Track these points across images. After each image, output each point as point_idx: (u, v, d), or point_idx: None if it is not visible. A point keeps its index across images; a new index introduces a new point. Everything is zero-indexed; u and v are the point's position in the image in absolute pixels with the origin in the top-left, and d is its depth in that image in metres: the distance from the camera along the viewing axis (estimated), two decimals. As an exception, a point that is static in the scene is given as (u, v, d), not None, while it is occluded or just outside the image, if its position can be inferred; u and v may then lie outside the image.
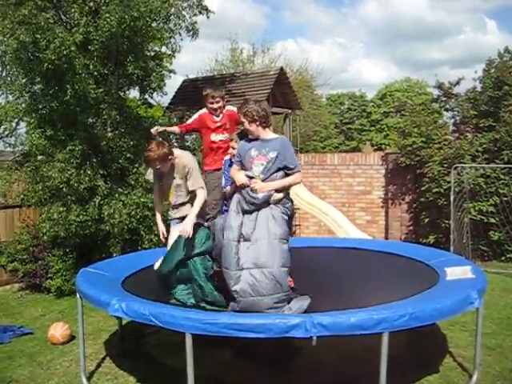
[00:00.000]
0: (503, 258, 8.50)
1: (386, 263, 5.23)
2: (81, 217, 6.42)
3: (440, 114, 10.19)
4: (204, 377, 3.65)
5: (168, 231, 4.53)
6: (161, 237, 4.55)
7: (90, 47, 6.43)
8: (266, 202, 3.86)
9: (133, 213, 6.60)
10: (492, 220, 8.42)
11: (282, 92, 10.68)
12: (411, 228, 9.80)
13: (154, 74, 7.57)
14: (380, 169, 10.18)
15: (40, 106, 6.81)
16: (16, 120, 7.34)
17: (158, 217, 4.60)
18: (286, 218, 3.95)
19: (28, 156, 7.12)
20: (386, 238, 9.96)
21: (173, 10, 7.04)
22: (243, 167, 4.02)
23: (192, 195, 4.32)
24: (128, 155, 6.93)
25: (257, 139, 3.98)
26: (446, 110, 10.13)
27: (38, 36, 5.93)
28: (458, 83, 9.82)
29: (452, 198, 8.12)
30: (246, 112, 3.94)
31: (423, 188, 9.09)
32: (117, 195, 6.69)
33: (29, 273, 6.98)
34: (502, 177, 8.47)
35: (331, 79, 39.88)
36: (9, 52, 6.35)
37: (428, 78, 36.69)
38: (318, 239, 7.15)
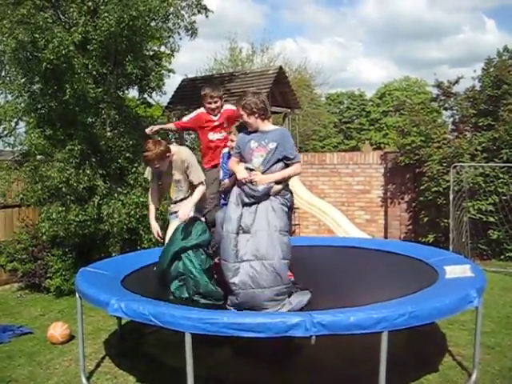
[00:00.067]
0: (502, 257, 8.51)
1: (385, 262, 5.23)
2: (80, 216, 6.42)
3: (439, 113, 10.19)
4: (204, 376, 3.65)
5: (162, 228, 4.55)
6: (155, 235, 4.54)
7: (88, 47, 6.42)
8: (266, 195, 3.86)
9: (132, 212, 6.60)
10: (491, 219, 8.43)
11: (281, 91, 10.66)
12: (410, 227, 9.81)
13: (152, 73, 7.58)
14: (379, 168, 10.18)
15: (39, 106, 6.81)
16: (15, 120, 7.33)
17: (152, 216, 4.58)
18: (286, 209, 3.95)
19: (27, 156, 7.12)
20: (386, 237, 9.97)
21: (172, 9, 7.04)
22: (242, 159, 4.01)
23: (192, 191, 4.34)
24: (127, 155, 6.93)
25: (256, 131, 3.98)
26: (445, 109, 10.14)
27: (37, 35, 5.93)
28: (457, 82, 9.82)
29: (451, 196, 8.12)
30: (245, 104, 3.94)
31: (422, 187, 9.09)
32: (116, 195, 6.69)
33: (28, 272, 6.98)
34: (501, 176, 8.47)
35: (330, 78, 39.85)
36: (7, 52, 6.35)
37: (427, 77, 36.74)
38: (318, 238, 7.16)
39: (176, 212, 4.36)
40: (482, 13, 63.72)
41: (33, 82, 6.69)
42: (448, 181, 8.37)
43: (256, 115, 3.93)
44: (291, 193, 4.07)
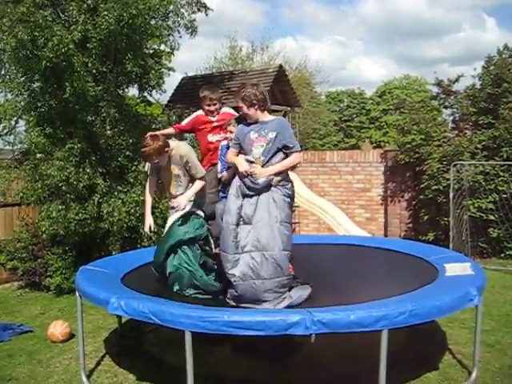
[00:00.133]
0: (502, 255, 8.51)
1: (385, 260, 5.24)
2: (80, 215, 6.42)
3: (439, 112, 10.18)
4: (204, 374, 3.65)
5: (162, 226, 4.57)
6: (146, 229, 4.51)
7: (88, 45, 6.42)
8: (267, 186, 3.86)
9: (132, 211, 6.59)
10: (491, 217, 8.43)
11: (281, 89, 10.67)
12: (410, 225, 9.80)
13: (152, 71, 7.56)
14: (379, 166, 10.17)
15: (39, 104, 6.80)
16: (15, 118, 7.33)
17: (148, 209, 4.56)
18: (288, 199, 3.94)
19: (27, 154, 7.12)
20: (386, 235, 9.96)
21: (171, 7, 7.03)
22: (241, 151, 4.00)
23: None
24: (127, 153, 6.92)
25: (255, 122, 3.97)
26: (445, 107, 10.13)
27: (36, 34, 5.92)
28: (457, 80, 9.81)
29: (451, 195, 8.12)
30: (245, 96, 3.92)
31: (422, 185, 9.09)
32: (116, 193, 6.69)
33: (28, 271, 6.99)
34: (502, 174, 8.47)
35: (330, 77, 39.94)
36: (7, 50, 6.34)
37: (427, 76, 36.81)
38: (318, 237, 7.16)
39: (174, 207, 4.39)
40: (482, 11, 63.96)
41: (33, 80, 6.68)
42: (448, 179, 8.36)
43: (256, 107, 3.92)
44: (292, 183, 4.06)
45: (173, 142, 4.36)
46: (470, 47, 56.45)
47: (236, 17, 47.84)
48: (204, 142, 4.98)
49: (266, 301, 3.79)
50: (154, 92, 7.97)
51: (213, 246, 4.40)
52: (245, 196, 3.87)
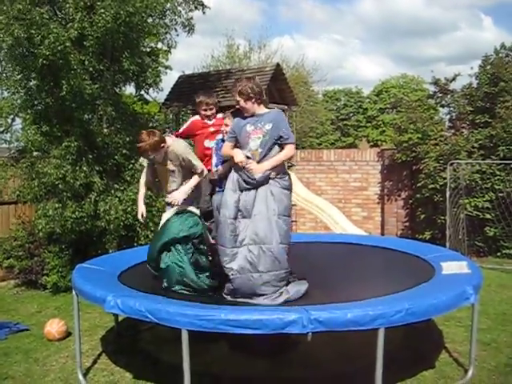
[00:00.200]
0: (499, 254, 8.54)
1: (381, 258, 5.25)
2: (76, 213, 6.41)
3: (436, 110, 10.21)
4: (200, 372, 3.65)
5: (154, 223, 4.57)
6: (138, 216, 4.52)
7: (85, 43, 6.39)
8: (265, 180, 3.86)
9: (129, 209, 6.58)
10: (488, 216, 8.46)
11: (278, 88, 10.64)
12: (407, 224, 9.83)
13: (149, 69, 7.53)
14: (376, 165, 10.19)
15: (35, 102, 6.78)
16: (11, 116, 7.32)
17: (141, 196, 4.57)
18: (286, 191, 3.94)
19: (23, 152, 7.09)
20: (382, 234, 9.98)
21: (168, 5, 7.02)
22: (237, 144, 4.00)
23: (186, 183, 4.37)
24: (124, 151, 6.91)
25: (252, 116, 3.97)
26: (442, 106, 10.16)
27: (33, 31, 5.89)
28: (454, 79, 9.85)
29: (448, 194, 8.14)
30: (242, 90, 3.92)
31: (419, 184, 9.11)
32: (113, 191, 6.68)
33: (25, 269, 6.97)
34: (498, 173, 8.50)
35: (327, 75, 39.66)
36: (4, 48, 6.31)
37: (424, 75, 36.90)
38: (315, 235, 7.16)
39: (170, 204, 4.40)
40: (479, 10, 63.96)
41: (29, 78, 6.65)
42: (445, 178, 8.38)
43: (253, 100, 3.93)
44: (288, 175, 4.07)
45: (169, 139, 4.35)
46: (466, 46, 56.56)
47: (233, 15, 47.74)
48: (201, 147, 4.97)
49: (263, 294, 3.79)
50: (150, 90, 7.95)
51: (209, 237, 4.42)
52: (242, 189, 3.87)
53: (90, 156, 6.62)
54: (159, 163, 4.36)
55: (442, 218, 8.45)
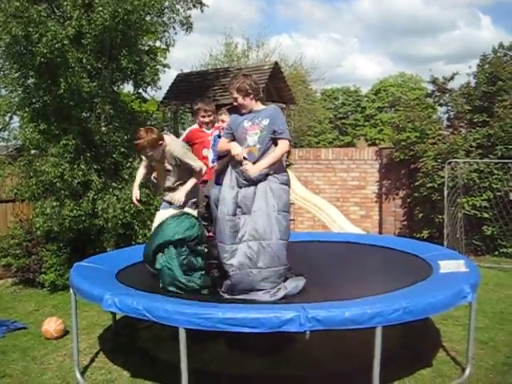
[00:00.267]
0: (496, 253, 8.55)
1: (379, 257, 5.25)
2: (74, 211, 6.40)
3: (434, 109, 10.21)
4: (198, 371, 3.65)
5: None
6: (133, 199, 4.53)
7: (83, 41, 6.38)
8: (264, 176, 3.85)
9: (127, 207, 6.57)
10: (485, 215, 8.46)
11: (277, 87, 10.63)
12: (405, 223, 9.83)
13: (147, 68, 7.53)
14: (374, 164, 10.19)
15: (33, 100, 6.76)
16: (9, 114, 7.30)
17: (136, 182, 4.59)
18: (285, 187, 3.94)
19: (21, 150, 7.09)
20: (380, 232, 9.99)
21: (167, 3, 7.02)
22: (234, 141, 3.99)
23: (181, 182, 4.38)
24: (122, 150, 6.90)
25: (249, 112, 3.98)
26: (440, 105, 10.16)
27: (30, 29, 5.88)
28: (452, 78, 9.85)
29: (446, 192, 8.14)
30: (240, 87, 3.92)
31: (417, 183, 9.11)
32: (111, 190, 6.67)
33: (22, 267, 6.96)
34: (496, 172, 8.50)
35: (326, 74, 39.73)
36: (1, 46, 6.30)
37: (422, 73, 36.70)
38: (313, 234, 7.16)
39: (166, 202, 4.42)
40: (478, 9, 64.06)
41: (27, 76, 6.64)
42: (443, 177, 8.38)
43: (251, 96, 3.93)
44: (286, 171, 4.07)
45: (167, 137, 4.35)
46: (465, 45, 56.67)
47: (231, 13, 47.83)
48: (199, 156, 4.96)
49: (261, 290, 3.79)
50: (149, 88, 7.95)
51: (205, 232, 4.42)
52: (241, 186, 3.87)
53: (88, 154, 6.61)
54: (157, 161, 4.35)
55: (440, 216, 8.45)
